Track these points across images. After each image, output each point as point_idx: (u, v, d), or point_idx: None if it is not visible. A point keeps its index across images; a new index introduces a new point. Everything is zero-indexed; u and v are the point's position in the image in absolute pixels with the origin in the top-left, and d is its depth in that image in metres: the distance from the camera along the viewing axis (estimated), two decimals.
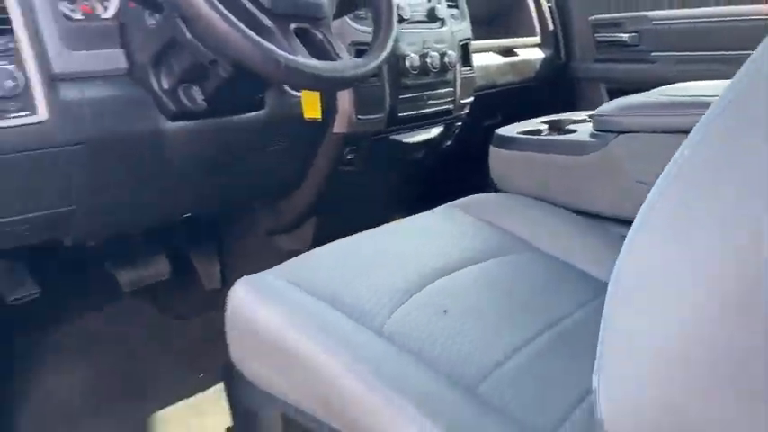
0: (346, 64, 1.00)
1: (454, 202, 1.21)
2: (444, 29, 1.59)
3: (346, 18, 1.38)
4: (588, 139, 1.25)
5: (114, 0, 1.07)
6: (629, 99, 1.25)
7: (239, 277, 0.86)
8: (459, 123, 1.74)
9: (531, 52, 2.11)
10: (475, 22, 1.77)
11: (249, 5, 0.95)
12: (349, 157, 1.48)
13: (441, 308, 0.84)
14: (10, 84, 0.95)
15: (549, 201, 1.23)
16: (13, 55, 0.96)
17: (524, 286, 0.91)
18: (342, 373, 0.71)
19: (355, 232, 1.03)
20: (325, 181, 1.46)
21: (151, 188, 1.19)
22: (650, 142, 1.13)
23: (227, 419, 0.97)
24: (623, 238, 0.48)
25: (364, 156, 1.50)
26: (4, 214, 1.00)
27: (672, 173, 0.46)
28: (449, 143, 1.75)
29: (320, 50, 1.02)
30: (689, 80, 1.37)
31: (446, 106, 1.63)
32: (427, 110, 1.57)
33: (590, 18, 2.13)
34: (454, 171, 1.61)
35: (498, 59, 1.97)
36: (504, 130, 1.38)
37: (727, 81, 0.45)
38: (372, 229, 1.06)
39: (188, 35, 0.98)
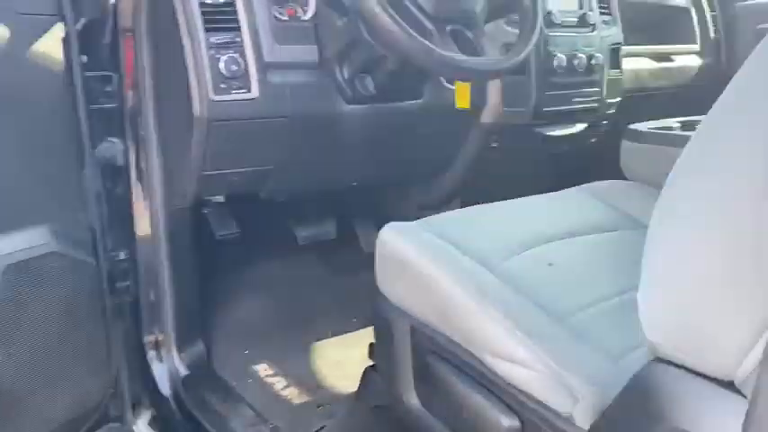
0: (489, 60, 1.21)
1: (583, 185, 1.36)
2: (594, 33, 1.73)
3: (501, 22, 1.58)
4: None
5: (312, 5, 1.36)
6: None
7: None
8: (606, 122, 1.87)
9: (688, 59, 2.16)
10: (632, 29, 1.88)
11: (416, 12, 1.19)
12: (494, 145, 1.68)
13: (547, 261, 1.02)
14: (234, 68, 1.26)
15: None
16: (238, 46, 1.27)
17: (624, 255, 1.05)
18: (459, 295, 0.92)
19: None
20: (472, 164, 1.67)
21: (328, 157, 1.47)
22: None
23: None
24: None
25: (508, 144, 1.69)
26: (223, 166, 1.33)
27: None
28: (593, 140, 1.88)
29: (470, 48, 1.23)
30: None
31: (592, 105, 1.77)
32: (572, 107, 1.73)
33: (757, 27, 2.13)
34: (593, 162, 1.74)
35: (651, 64, 2.05)
36: (636, 126, 1.50)
37: None
38: (506, 201, 1.25)
39: (366, 35, 1.24)
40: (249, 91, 1.27)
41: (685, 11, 2.18)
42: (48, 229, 1.16)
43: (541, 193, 1.32)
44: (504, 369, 0.84)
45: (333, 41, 1.34)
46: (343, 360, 1.53)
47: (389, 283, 1.06)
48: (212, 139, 1.26)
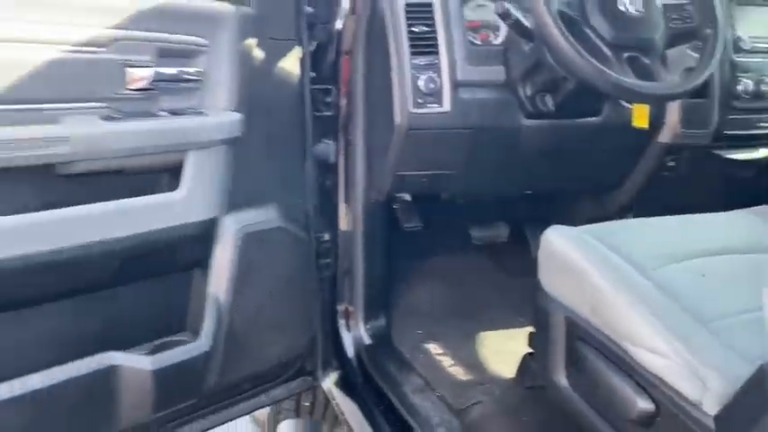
0: (663, 85, 1.31)
1: (755, 207, 1.40)
2: None
3: (686, 47, 1.65)
4: None
5: (503, 31, 1.54)
6: None
7: None
8: None
9: None
10: None
11: (595, 39, 1.33)
12: (670, 164, 1.73)
13: (700, 273, 1.11)
14: (431, 86, 1.48)
15: None
16: (436, 67, 1.49)
17: None
18: (610, 291, 1.05)
19: None
20: (646, 182, 1.74)
21: (506, 166, 1.65)
22: None
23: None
24: None
25: (685, 165, 1.74)
26: (413, 169, 1.56)
27: None
28: None
29: (646, 73, 1.33)
30: None
31: None
32: (756, 131, 1.73)
33: None
34: None
35: None
36: None
37: None
38: (670, 216, 1.33)
39: (549, 59, 1.39)
40: (442, 105, 1.49)
41: None
42: (276, 208, 1.46)
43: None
44: (644, 357, 0.96)
45: (519, 63, 1.51)
46: (504, 350, 1.69)
47: (549, 277, 1.21)
48: (407, 145, 1.50)
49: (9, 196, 1.05)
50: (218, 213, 1.32)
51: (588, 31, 1.33)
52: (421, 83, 1.47)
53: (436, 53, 1.49)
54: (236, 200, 1.35)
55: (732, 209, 1.38)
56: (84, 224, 1.12)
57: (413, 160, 1.56)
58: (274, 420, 1.99)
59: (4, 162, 1.01)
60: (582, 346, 1.11)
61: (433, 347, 1.74)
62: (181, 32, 1.23)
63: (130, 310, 1.27)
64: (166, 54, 1.21)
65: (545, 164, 1.66)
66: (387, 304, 1.81)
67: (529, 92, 1.52)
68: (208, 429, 1.49)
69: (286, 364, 1.60)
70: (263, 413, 2.12)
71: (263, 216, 1.42)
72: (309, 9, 1.48)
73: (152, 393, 1.23)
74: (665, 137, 1.67)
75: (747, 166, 1.79)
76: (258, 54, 1.37)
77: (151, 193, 1.22)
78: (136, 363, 1.21)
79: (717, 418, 0.86)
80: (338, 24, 1.56)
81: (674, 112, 1.63)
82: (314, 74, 1.53)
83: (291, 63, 1.46)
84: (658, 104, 1.54)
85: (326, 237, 1.67)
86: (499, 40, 1.55)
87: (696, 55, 1.63)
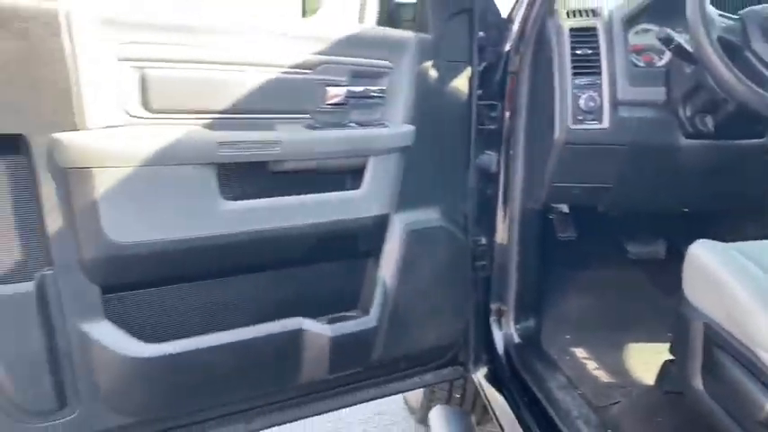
0: None
1: None
2: None
3: None
4: None
5: (667, 54, 1.62)
6: None
7: None
8: None
9: None
10: None
11: (757, 64, 1.37)
12: None
13: None
14: (591, 104, 1.60)
15: None
16: (597, 87, 1.60)
17: None
18: (747, 301, 1.11)
19: None
20: None
21: (663, 183, 1.71)
22: None
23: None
24: None
25: None
26: (570, 180, 1.68)
27: None
28: None
29: None
30: None
31: None
32: None
33: None
34: None
35: None
36: None
37: None
38: None
39: (710, 81, 1.45)
40: (600, 122, 1.60)
41: None
42: (439, 210, 1.65)
43: None
44: None
45: (680, 84, 1.58)
46: (649, 361, 1.74)
47: (693, 288, 1.28)
48: (565, 158, 1.62)
49: (236, 185, 1.34)
50: (390, 211, 1.54)
51: (750, 55, 1.38)
52: (581, 101, 1.59)
53: (598, 74, 1.61)
54: (405, 200, 1.55)
55: None
56: (287, 211, 1.39)
57: (569, 173, 1.68)
58: (427, 405, 2.18)
59: (234, 158, 1.30)
60: (718, 352, 1.17)
61: (579, 351, 1.84)
62: (371, 57, 1.46)
63: (317, 286, 1.53)
64: (357, 75, 1.45)
65: (703, 183, 1.69)
66: (538, 308, 1.93)
67: (689, 112, 1.58)
68: (370, 399, 1.71)
69: (439, 350, 1.78)
70: (417, 400, 2.32)
71: (427, 216, 1.62)
72: (481, 34, 1.65)
73: (329, 356, 1.48)
74: None
75: None
76: (433, 74, 1.57)
77: (339, 190, 1.47)
78: (318, 329, 1.46)
79: None
80: (507, 47, 1.73)
81: None
82: (481, 91, 1.70)
83: (461, 82, 1.65)
84: None
85: (483, 241, 1.82)
86: (663, 63, 1.63)
87: None
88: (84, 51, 1.14)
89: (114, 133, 1.19)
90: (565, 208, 1.86)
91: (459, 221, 1.72)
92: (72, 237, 1.18)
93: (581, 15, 1.66)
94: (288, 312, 1.44)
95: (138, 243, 1.22)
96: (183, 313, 1.36)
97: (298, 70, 1.37)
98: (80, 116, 1.14)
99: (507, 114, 1.75)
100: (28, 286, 1.17)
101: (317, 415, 1.63)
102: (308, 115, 1.41)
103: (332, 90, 1.42)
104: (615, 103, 1.59)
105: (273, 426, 1.55)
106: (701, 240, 1.30)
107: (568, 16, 1.66)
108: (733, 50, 1.36)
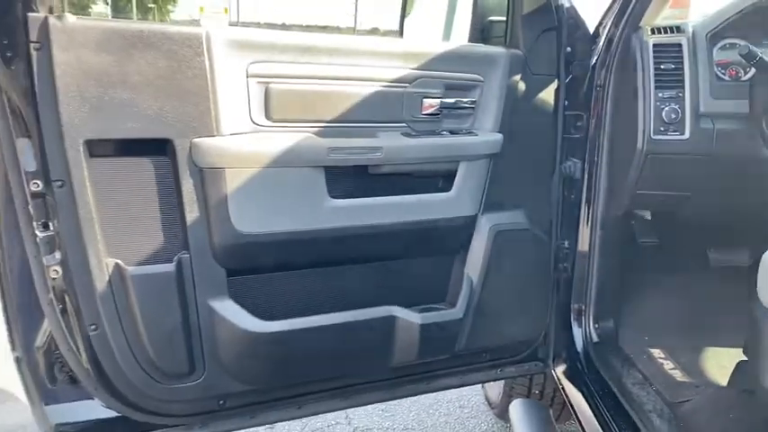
0: None
1: None
2: None
3: None
4: None
5: (752, 70, 1.67)
6: None
7: None
8: None
9: None
10: None
11: None
12: None
13: None
14: (673, 116, 1.68)
15: None
16: (679, 100, 1.68)
17: None
18: None
19: None
20: None
21: (744, 193, 1.75)
22: None
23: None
24: None
25: None
26: (651, 188, 1.76)
27: None
28: None
29: None
30: None
31: None
32: None
33: None
34: None
35: None
36: None
37: None
38: None
39: None
40: (682, 134, 1.67)
41: None
42: (524, 213, 1.77)
43: None
44: None
45: (763, 97, 1.62)
46: (725, 364, 1.78)
47: (764, 289, 1.34)
48: (647, 167, 1.71)
49: (341, 186, 1.52)
50: (478, 212, 1.68)
51: None
52: (663, 114, 1.68)
53: (681, 87, 1.68)
54: (491, 202, 1.69)
55: None
56: (384, 209, 1.56)
57: (651, 181, 1.76)
58: (507, 399, 2.30)
59: (341, 162, 1.48)
60: None
61: (656, 352, 1.90)
62: (463, 71, 1.61)
63: (409, 279, 1.69)
64: (451, 87, 1.60)
65: None
66: (617, 310, 2.00)
67: None
68: (453, 387, 1.85)
69: (520, 345, 1.90)
70: (497, 394, 2.44)
71: (513, 218, 1.74)
72: (568, 49, 1.76)
73: (418, 342, 1.63)
74: None
75: None
76: (522, 86, 1.70)
77: (432, 192, 1.62)
78: (409, 316, 1.62)
79: None
80: (593, 61, 1.82)
81: None
82: (567, 102, 1.81)
83: (549, 94, 1.77)
84: None
85: (566, 244, 1.92)
86: (748, 77, 1.69)
87: None
88: (220, 69, 1.35)
89: (242, 139, 1.40)
90: (648, 215, 1.93)
91: (543, 225, 1.83)
92: (205, 226, 1.39)
93: (665, 32, 1.73)
94: (382, 301, 1.61)
95: (259, 233, 1.43)
96: (292, 296, 1.56)
97: (397, 84, 1.54)
98: (216, 124, 1.36)
99: (592, 124, 1.84)
100: (169, 267, 1.39)
101: (405, 397, 1.79)
102: (405, 124, 1.57)
103: (427, 101, 1.58)
104: (697, 116, 1.66)
105: (367, 404, 1.73)
106: None
107: (653, 32, 1.74)
108: None
